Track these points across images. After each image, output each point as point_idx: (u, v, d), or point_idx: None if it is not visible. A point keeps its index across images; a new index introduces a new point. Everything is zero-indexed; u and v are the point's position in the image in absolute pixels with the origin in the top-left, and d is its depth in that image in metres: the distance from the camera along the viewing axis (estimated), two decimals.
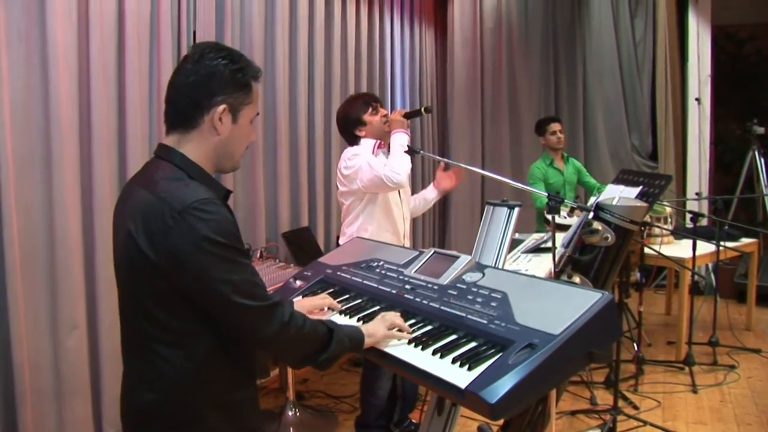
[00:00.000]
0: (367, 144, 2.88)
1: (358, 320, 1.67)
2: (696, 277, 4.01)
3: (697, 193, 5.72)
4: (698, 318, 4.44)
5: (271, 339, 1.34)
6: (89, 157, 2.64)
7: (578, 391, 3.55)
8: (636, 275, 4.08)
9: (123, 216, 1.34)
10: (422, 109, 2.90)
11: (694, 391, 3.59)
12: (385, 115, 2.90)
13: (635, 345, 3.85)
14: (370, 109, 2.89)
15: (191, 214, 1.23)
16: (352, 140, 2.93)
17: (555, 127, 4.57)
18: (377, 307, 1.71)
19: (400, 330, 1.55)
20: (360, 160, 2.78)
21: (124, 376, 1.40)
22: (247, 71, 1.36)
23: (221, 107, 1.33)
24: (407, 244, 2.98)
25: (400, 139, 2.79)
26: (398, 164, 2.71)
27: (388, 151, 2.85)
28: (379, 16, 4.97)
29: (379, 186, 2.74)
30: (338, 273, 1.95)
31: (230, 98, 1.34)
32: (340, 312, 1.75)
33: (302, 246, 3.84)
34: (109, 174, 2.71)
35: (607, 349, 1.43)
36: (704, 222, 4.46)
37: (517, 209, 1.78)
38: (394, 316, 1.57)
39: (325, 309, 1.77)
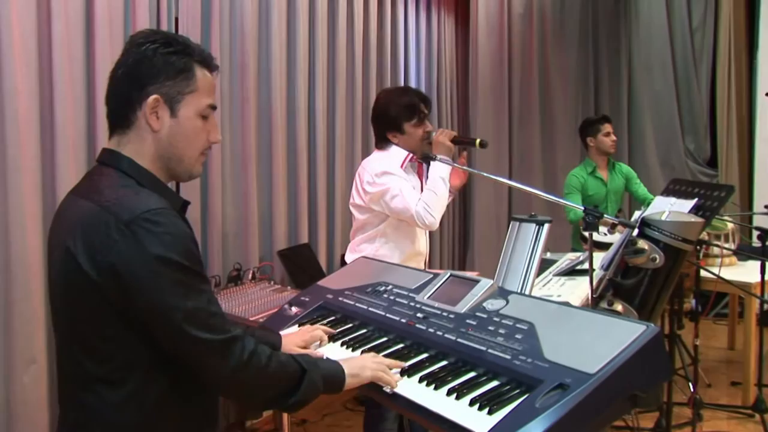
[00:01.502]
0: (397, 154, 2.81)
1: (362, 353, 1.67)
2: (766, 305, 3.95)
3: (766, 206, 5.65)
4: None
5: (226, 378, 1.32)
6: (52, 160, 2.66)
7: None
8: (691, 302, 4.03)
9: (60, 232, 1.34)
10: (477, 142, 2.69)
11: None
12: (429, 132, 2.81)
13: (691, 385, 3.79)
14: (416, 119, 2.79)
15: (141, 226, 1.23)
16: (381, 141, 2.87)
17: (609, 127, 4.57)
18: (384, 339, 1.72)
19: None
20: (391, 181, 2.70)
21: (59, 426, 1.38)
22: (184, 54, 1.35)
23: (152, 98, 1.32)
24: None
25: (442, 170, 2.68)
26: (435, 203, 2.65)
27: (419, 166, 2.83)
28: (391, 0, 4.99)
29: (406, 219, 2.71)
30: (340, 298, 1.96)
31: (163, 87, 1.33)
32: (342, 344, 1.75)
33: (301, 265, 3.84)
34: (76, 179, 2.70)
35: (654, 392, 1.42)
36: None
37: (546, 226, 1.78)
38: (383, 358, 1.57)
39: (325, 339, 1.77)
